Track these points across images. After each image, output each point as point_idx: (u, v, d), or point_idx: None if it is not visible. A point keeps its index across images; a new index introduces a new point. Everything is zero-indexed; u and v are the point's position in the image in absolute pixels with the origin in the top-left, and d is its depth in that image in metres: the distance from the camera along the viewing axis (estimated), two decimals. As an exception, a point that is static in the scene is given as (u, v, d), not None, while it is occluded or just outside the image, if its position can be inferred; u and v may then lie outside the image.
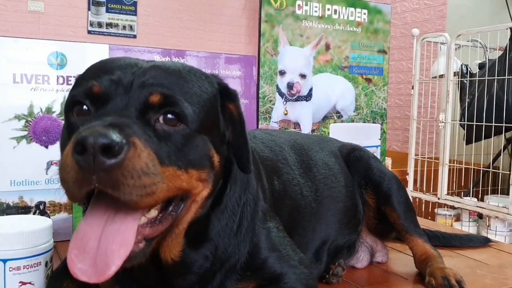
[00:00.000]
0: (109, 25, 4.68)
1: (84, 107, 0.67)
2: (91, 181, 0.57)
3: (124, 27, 4.73)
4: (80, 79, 0.71)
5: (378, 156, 1.78)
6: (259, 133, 1.11)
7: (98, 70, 0.70)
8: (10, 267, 0.83)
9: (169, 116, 0.66)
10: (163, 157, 0.63)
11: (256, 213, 0.85)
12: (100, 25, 4.65)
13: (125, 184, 0.57)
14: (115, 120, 0.61)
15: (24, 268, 0.84)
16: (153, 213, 0.66)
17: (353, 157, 1.23)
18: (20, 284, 0.84)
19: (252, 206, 0.84)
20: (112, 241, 0.61)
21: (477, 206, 2.62)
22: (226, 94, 0.78)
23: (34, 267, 0.85)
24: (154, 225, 0.67)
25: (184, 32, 4.93)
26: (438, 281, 1.00)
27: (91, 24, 4.63)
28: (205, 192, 0.72)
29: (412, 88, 2.95)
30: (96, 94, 0.66)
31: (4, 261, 0.83)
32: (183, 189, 0.67)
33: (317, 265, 1.06)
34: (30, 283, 0.85)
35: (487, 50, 2.98)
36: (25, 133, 1.23)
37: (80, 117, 0.67)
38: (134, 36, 4.75)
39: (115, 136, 0.57)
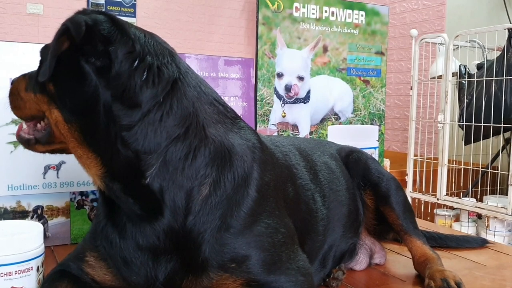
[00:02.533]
0: (108, 27, 4.68)
1: None
2: None
3: (123, 29, 4.74)
4: None
5: (377, 158, 1.78)
6: (273, 138, 1.13)
7: None
8: (2, 273, 0.83)
9: None
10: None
11: (241, 194, 0.80)
12: (99, 27, 4.66)
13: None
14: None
15: (15, 273, 0.84)
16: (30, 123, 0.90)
17: (351, 159, 1.24)
18: (12, 289, 0.84)
19: (232, 183, 0.79)
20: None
21: (476, 207, 2.62)
22: None
23: (26, 272, 0.86)
24: (35, 131, 0.89)
25: (183, 33, 4.94)
26: (437, 283, 1.00)
27: (90, 26, 4.63)
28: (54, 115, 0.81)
29: (411, 88, 2.95)
30: None
31: (-4, 266, 0.83)
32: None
33: (322, 272, 1.06)
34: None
35: (485, 51, 2.98)
36: (23, 137, 1.23)
37: None
38: (133, 38, 4.76)
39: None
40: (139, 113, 0.75)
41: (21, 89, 0.89)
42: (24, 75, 0.91)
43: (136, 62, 0.76)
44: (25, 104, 0.88)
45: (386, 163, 2.47)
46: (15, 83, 0.92)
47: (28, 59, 1.24)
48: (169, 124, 0.77)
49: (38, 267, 0.88)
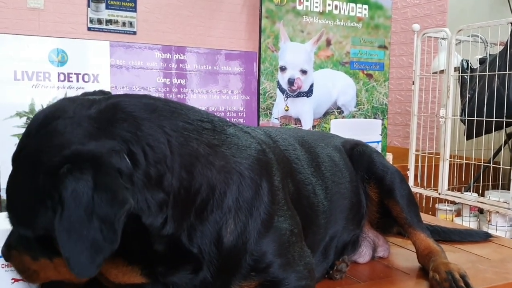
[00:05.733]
0: (109, 21, 4.66)
1: None
2: None
3: (124, 24, 4.72)
4: None
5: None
6: (273, 131, 1.10)
7: None
8: (3, 264, 0.83)
9: None
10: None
11: (260, 211, 0.82)
12: (100, 21, 4.64)
13: None
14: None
15: None
16: None
17: (356, 152, 1.23)
18: (13, 281, 0.84)
19: (249, 202, 0.80)
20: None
21: (477, 201, 2.62)
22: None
23: None
24: None
25: (184, 28, 4.93)
26: (442, 276, 1.00)
27: (91, 21, 4.62)
28: None
29: (413, 83, 2.94)
30: None
31: (-3, 258, 0.82)
32: None
33: (325, 262, 1.07)
34: (22, 280, 0.84)
35: (487, 45, 2.97)
36: (27, 130, 1.23)
37: None
38: (134, 33, 4.74)
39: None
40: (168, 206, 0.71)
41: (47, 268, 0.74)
42: (18, 248, 0.75)
43: (129, 160, 0.67)
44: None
45: (389, 157, 2.47)
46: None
47: (32, 52, 1.24)
48: (191, 196, 0.73)
49: None
